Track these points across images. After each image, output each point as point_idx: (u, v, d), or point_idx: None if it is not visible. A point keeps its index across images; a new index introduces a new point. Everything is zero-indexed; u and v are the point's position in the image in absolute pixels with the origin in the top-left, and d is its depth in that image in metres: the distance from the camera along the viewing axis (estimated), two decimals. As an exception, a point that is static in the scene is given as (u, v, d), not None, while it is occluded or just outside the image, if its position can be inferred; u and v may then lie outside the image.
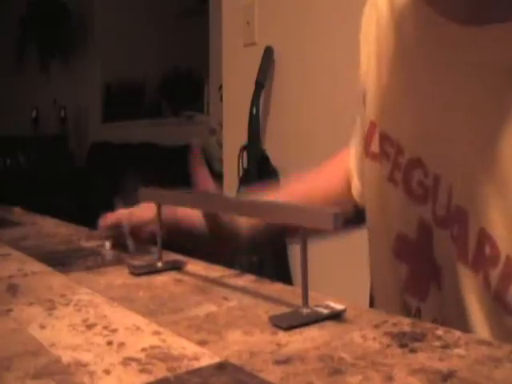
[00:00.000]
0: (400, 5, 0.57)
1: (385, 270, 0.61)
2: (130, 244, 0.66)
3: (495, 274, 0.46)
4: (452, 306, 0.52)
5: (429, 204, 0.53)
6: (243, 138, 1.76)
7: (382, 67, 0.60)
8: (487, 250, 0.47)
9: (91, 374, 0.32)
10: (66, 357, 0.35)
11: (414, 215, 0.54)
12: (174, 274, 0.55)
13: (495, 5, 0.47)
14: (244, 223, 0.72)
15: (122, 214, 0.69)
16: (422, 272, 0.55)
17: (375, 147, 0.60)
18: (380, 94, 0.60)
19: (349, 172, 0.73)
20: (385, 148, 0.58)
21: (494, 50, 0.47)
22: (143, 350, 0.36)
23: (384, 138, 0.59)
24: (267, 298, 0.46)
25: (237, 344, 0.36)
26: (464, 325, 0.49)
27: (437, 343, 0.35)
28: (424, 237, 0.54)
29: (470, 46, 0.49)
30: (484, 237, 0.47)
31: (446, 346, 0.34)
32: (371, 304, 0.77)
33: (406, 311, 0.57)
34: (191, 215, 0.69)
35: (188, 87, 4.08)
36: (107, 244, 0.69)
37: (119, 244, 0.67)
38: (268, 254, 1.72)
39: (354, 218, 0.73)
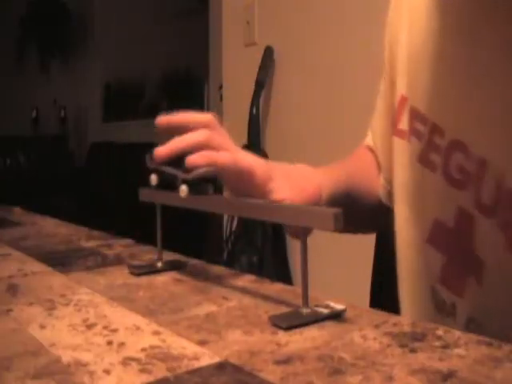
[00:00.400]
0: None
1: (415, 258, 0.56)
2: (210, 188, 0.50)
3: None
4: (496, 304, 0.47)
5: (470, 190, 0.48)
6: (243, 138, 1.76)
7: (414, 40, 0.55)
8: None
9: (91, 373, 0.32)
10: (66, 357, 0.35)
11: (452, 202, 0.50)
12: (173, 274, 0.55)
13: None
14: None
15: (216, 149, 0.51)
16: (460, 264, 0.50)
17: (404, 124, 0.56)
18: (412, 68, 0.55)
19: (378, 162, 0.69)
20: (415, 125, 0.54)
21: None
22: (143, 349, 0.36)
23: (415, 115, 0.54)
24: (267, 298, 0.46)
25: (237, 344, 0.36)
26: (509, 325, 0.46)
27: (437, 343, 0.35)
28: (463, 226, 0.49)
29: None
30: None
31: (445, 346, 0.34)
32: (371, 304, 0.76)
33: (438, 305, 0.53)
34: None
35: (188, 87, 4.08)
36: (153, 178, 0.52)
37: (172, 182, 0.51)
38: (268, 253, 1.72)
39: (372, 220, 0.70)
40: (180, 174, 0.50)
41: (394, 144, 0.59)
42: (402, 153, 0.57)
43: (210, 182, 0.51)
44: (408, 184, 0.57)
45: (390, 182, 0.64)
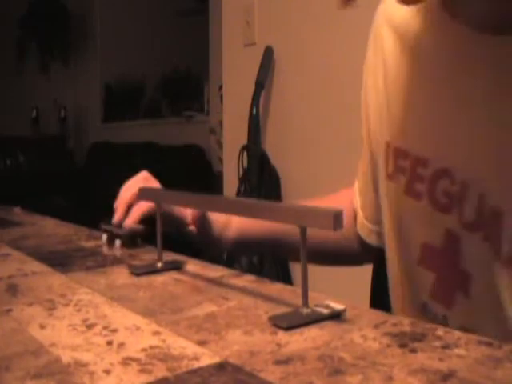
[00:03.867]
0: (409, 25, 0.57)
1: (408, 280, 0.60)
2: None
3: None
4: (484, 313, 0.51)
5: (454, 212, 0.52)
6: (243, 138, 1.76)
7: (392, 91, 0.60)
8: None
9: (91, 374, 0.32)
10: (66, 357, 0.35)
11: (440, 225, 0.54)
12: (173, 274, 0.55)
13: None
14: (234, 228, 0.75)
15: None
16: (449, 280, 0.54)
17: (391, 167, 0.60)
18: (394, 116, 0.60)
19: (354, 209, 0.73)
20: (399, 163, 0.59)
21: None
22: (143, 350, 0.36)
23: (398, 154, 0.59)
24: (267, 298, 0.46)
25: (237, 344, 0.36)
26: (498, 329, 0.49)
27: (437, 343, 0.35)
28: (450, 246, 0.53)
29: (490, 57, 0.48)
30: None
31: (446, 346, 0.34)
32: (371, 304, 0.77)
33: (430, 319, 0.56)
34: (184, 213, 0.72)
35: (188, 87, 4.08)
36: (117, 242, 0.66)
37: (133, 243, 0.67)
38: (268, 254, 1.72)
39: (359, 255, 0.75)
40: (114, 230, 0.67)
41: (384, 188, 0.63)
42: (392, 192, 0.61)
43: (139, 235, 0.67)
44: (396, 217, 0.61)
45: (375, 222, 0.69)
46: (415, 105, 0.57)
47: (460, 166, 0.52)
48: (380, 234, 0.68)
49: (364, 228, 0.71)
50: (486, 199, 0.49)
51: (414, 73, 0.57)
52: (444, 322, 0.55)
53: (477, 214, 0.50)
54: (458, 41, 0.51)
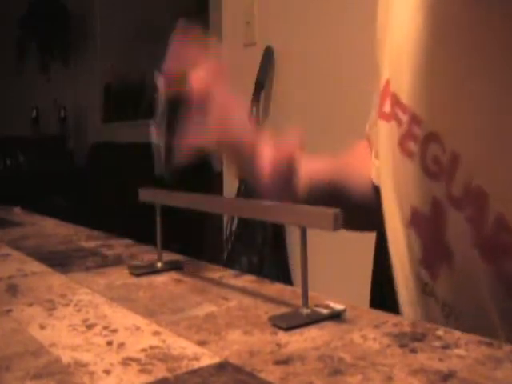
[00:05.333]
0: None
1: (399, 239, 0.57)
2: None
3: (510, 267, 0.43)
4: (463, 293, 0.49)
5: (443, 182, 0.48)
6: (243, 138, 1.76)
7: (396, 32, 0.54)
8: (504, 239, 0.44)
9: (91, 374, 0.32)
10: (66, 357, 0.35)
11: (428, 192, 0.50)
12: (173, 274, 0.55)
13: None
14: None
15: None
16: (435, 250, 0.51)
17: (387, 107, 0.56)
18: (394, 54, 0.55)
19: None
20: (396, 112, 0.54)
21: None
22: (143, 350, 0.36)
23: (396, 101, 0.54)
24: (267, 298, 0.46)
25: (237, 344, 0.36)
26: (475, 314, 0.47)
27: (437, 343, 0.35)
28: (438, 216, 0.50)
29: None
30: (502, 224, 0.44)
31: (446, 346, 0.34)
32: (371, 304, 0.76)
33: (421, 286, 0.54)
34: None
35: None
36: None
37: None
38: (268, 254, 1.72)
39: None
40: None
41: (379, 127, 0.60)
42: (386, 135, 0.57)
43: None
44: (390, 168, 0.57)
45: None
46: (419, 58, 0.50)
47: (452, 135, 0.47)
48: None
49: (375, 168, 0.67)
50: (474, 178, 0.46)
51: (424, 29, 0.50)
52: (433, 292, 0.53)
53: (463, 191, 0.46)
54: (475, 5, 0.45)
